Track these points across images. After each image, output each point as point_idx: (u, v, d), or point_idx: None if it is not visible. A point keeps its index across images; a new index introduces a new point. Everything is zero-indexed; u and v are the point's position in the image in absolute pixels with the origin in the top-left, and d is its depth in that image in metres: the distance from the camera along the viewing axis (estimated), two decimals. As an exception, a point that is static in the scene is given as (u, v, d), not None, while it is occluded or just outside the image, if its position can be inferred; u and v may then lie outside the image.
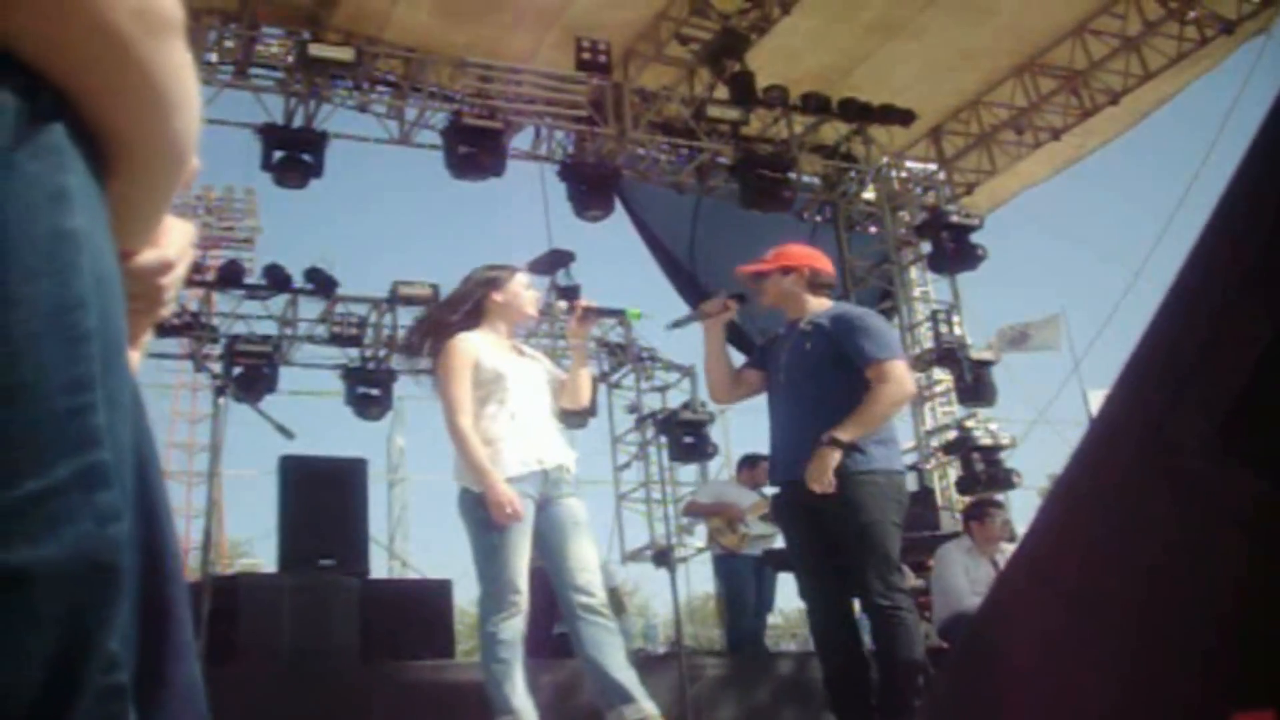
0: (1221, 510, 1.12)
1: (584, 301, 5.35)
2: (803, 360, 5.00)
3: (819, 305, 5.17)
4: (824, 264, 5.35)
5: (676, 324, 5.60)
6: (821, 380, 4.93)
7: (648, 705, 4.67)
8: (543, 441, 4.94)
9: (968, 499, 13.64)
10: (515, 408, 4.91)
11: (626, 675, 4.70)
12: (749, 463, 10.86)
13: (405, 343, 5.17)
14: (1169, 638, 1.18)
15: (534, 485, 4.76)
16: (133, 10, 0.77)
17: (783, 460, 5.06)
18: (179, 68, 0.83)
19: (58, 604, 0.71)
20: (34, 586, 0.70)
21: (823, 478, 4.68)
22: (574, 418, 5.36)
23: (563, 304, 5.50)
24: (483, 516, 4.72)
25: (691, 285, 13.57)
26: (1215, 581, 1.14)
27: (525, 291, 5.20)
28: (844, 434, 4.72)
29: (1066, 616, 1.33)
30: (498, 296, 5.09)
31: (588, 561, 4.88)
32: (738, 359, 5.52)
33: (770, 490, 5.36)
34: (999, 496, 12.13)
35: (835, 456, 4.69)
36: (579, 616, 4.76)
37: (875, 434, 4.83)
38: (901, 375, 4.90)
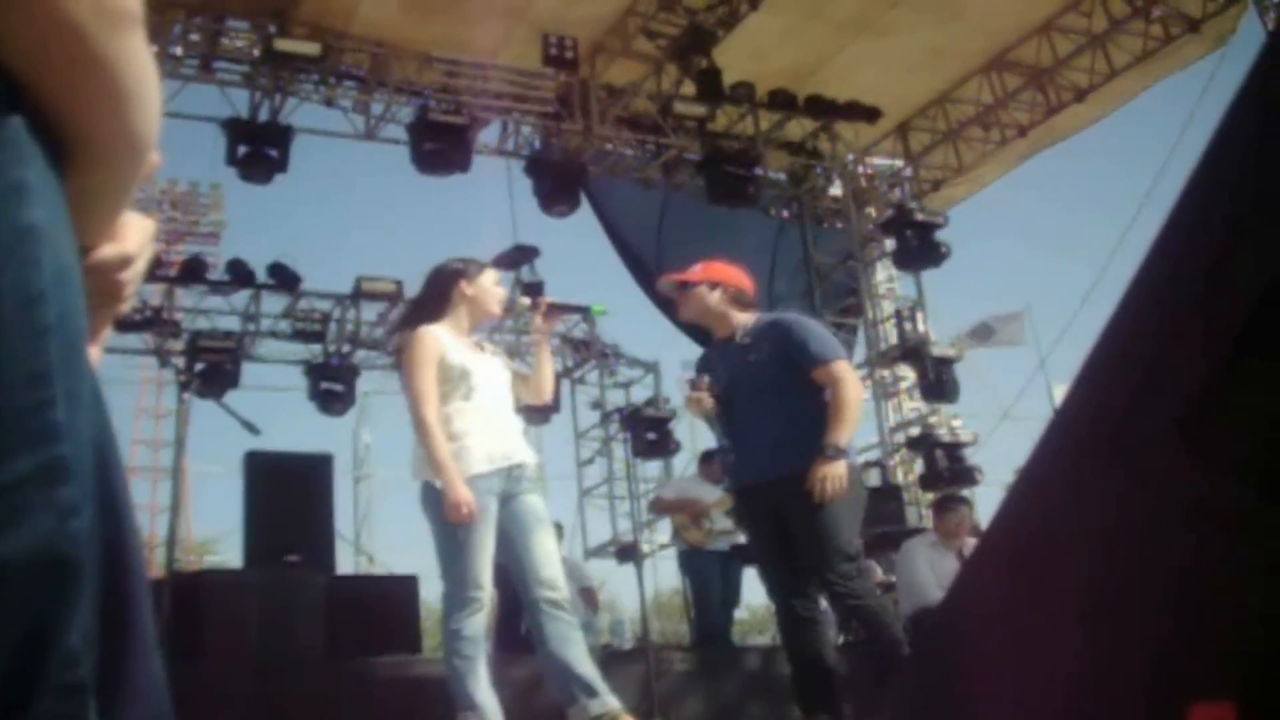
0: (1181, 505, 1.13)
1: (548, 299, 5.34)
2: (751, 370, 5.07)
3: (744, 319, 5.25)
4: (749, 283, 5.45)
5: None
6: (774, 385, 5.01)
7: (611, 700, 4.68)
8: (507, 438, 4.94)
9: (931, 495, 13.73)
10: (481, 403, 4.90)
11: (590, 670, 4.71)
12: (709, 458, 10.89)
13: (393, 349, 5.16)
14: (1129, 630, 1.19)
15: (498, 482, 4.76)
16: (92, 3, 0.77)
17: (748, 463, 5.12)
18: (139, 61, 0.82)
19: (16, 599, 0.71)
20: (-7, 581, 0.70)
21: (840, 484, 4.79)
22: (536, 413, 5.36)
23: (526, 300, 5.46)
24: (445, 512, 4.72)
25: (655, 279, 13.57)
26: (1175, 575, 1.15)
27: (493, 287, 5.20)
28: (840, 440, 4.85)
29: (1028, 608, 1.34)
30: (467, 288, 5.07)
31: (550, 557, 4.88)
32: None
33: (724, 491, 5.43)
34: (964, 492, 12.19)
35: (842, 464, 4.82)
36: (542, 611, 4.76)
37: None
38: (850, 372, 5.08)
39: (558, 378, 5.70)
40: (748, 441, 5.07)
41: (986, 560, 1.60)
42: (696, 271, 5.34)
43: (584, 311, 5.57)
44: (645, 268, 13.83)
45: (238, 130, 11.11)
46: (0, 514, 0.70)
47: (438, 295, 5.08)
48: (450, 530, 4.70)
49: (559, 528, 9.10)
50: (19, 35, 0.74)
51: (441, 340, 4.91)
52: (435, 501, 4.76)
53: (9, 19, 0.74)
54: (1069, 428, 1.33)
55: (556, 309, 5.37)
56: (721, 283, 5.28)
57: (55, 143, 0.80)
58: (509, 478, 4.83)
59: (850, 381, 4.99)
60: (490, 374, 5.02)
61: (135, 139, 0.86)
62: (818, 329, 5.21)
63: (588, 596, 11.13)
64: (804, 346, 5.01)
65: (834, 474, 4.79)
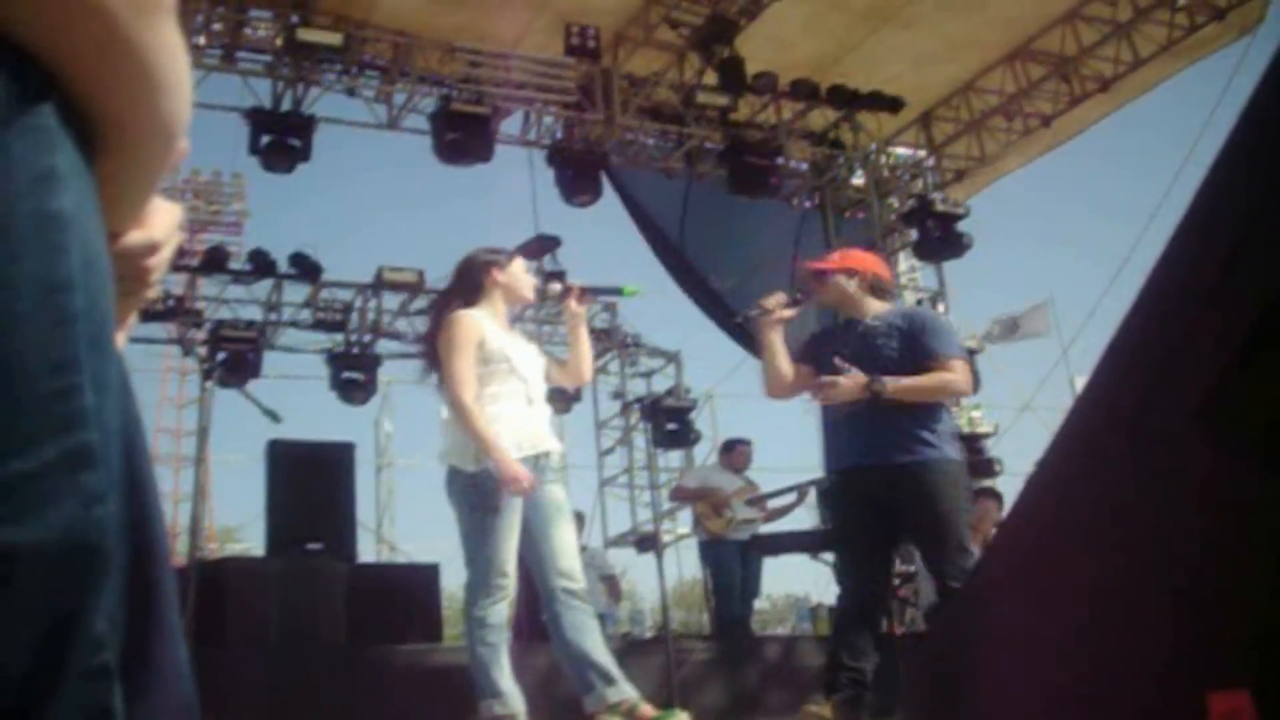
0: (1197, 493, 1.13)
1: (579, 283, 5.35)
2: (876, 354, 5.12)
3: (879, 307, 5.35)
4: (886, 271, 5.62)
5: (742, 320, 5.83)
6: (898, 374, 5.04)
7: (628, 688, 4.69)
8: (537, 426, 4.95)
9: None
10: (517, 388, 4.91)
11: (606, 658, 4.72)
12: (730, 447, 10.90)
13: (425, 351, 5.16)
14: (1146, 618, 1.19)
15: (526, 469, 4.76)
16: None
17: (847, 448, 5.20)
18: (169, 48, 0.83)
19: (43, 585, 0.72)
20: (19, 567, 0.70)
21: (832, 393, 5.01)
22: (558, 401, 5.37)
23: (557, 286, 5.48)
24: (473, 498, 4.72)
25: (682, 266, 13.54)
26: (1191, 563, 1.15)
27: (525, 275, 5.22)
28: (897, 386, 4.97)
29: (1044, 597, 1.34)
30: (499, 276, 5.09)
31: (569, 547, 4.90)
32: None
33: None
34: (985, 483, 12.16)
35: (860, 391, 4.95)
36: (560, 600, 4.78)
37: (944, 422, 5.11)
38: (965, 371, 5.16)
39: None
40: (861, 424, 5.10)
41: (1005, 547, 1.59)
42: (834, 259, 5.48)
43: (617, 292, 5.59)
44: (672, 252, 13.78)
45: (260, 120, 11.11)
46: (27, 500, 0.71)
47: (470, 284, 5.10)
48: (477, 517, 4.71)
49: (580, 517, 9.14)
50: (51, 22, 0.75)
51: (481, 324, 4.92)
52: (463, 487, 4.77)
53: (41, 6, 0.74)
54: (1087, 417, 1.33)
55: (591, 291, 5.39)
56: (859, 270, 5.38)
57: (85, 129, 0.80)
58: (535, 466, 4.84)
59: (955, 375, 5.09)
60: (526, 360, 5.03)
61: (165, 126, 0.87)
62: (948, 327, 5.37)
63: (609, 585, 11.16)
64: (929, 342, 5.11)
65: (841, 385, 4.97)
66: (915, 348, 5.10)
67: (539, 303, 13.71)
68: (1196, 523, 1.14)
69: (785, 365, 5.36)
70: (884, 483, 5.00)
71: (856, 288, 5.34)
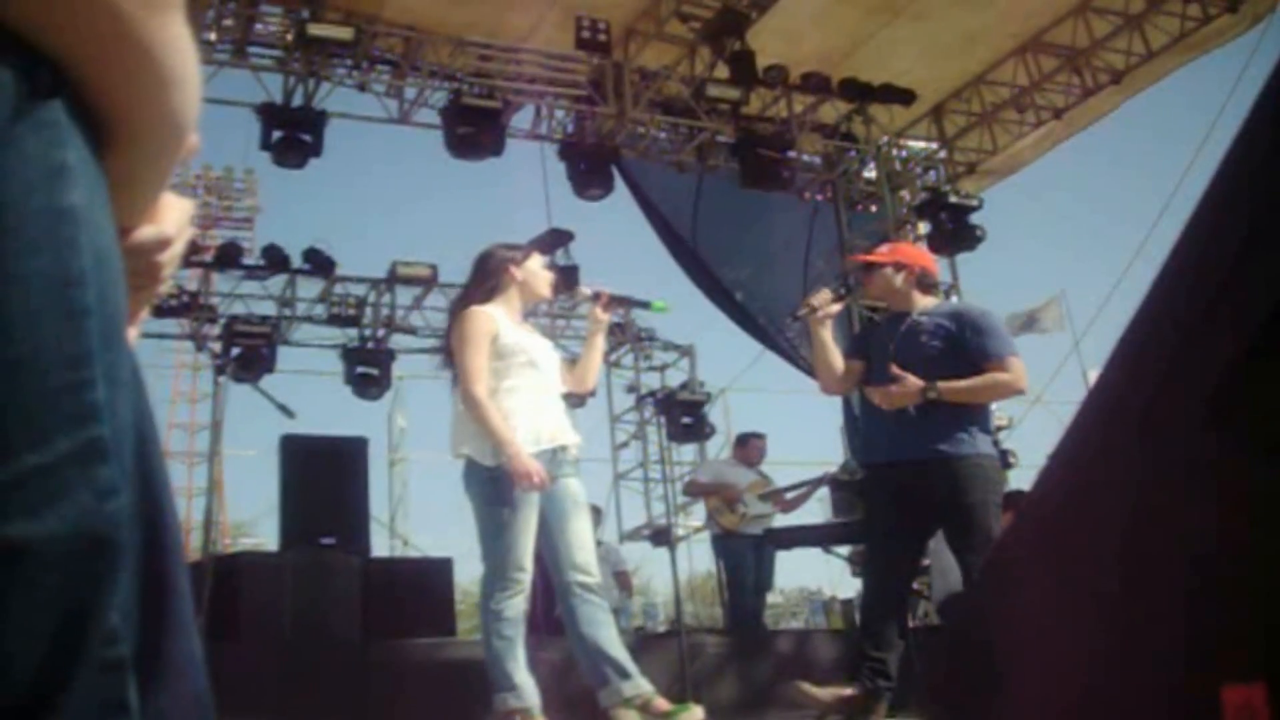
0: (1210, 486, 1.13)
1: (610, 290, 5.37)
2: (920, 351, 5.17)
3: (927, 302, 5.41)
4: (934, 265, 5.67)
5: (794, 318, 5.88)
6: (936, 371, 5.09)
7: (643, 682, 4.70)
8: (554, 420, 4.96)
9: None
10: (532, 383, 4.92)
11: (621, 652, 4.73)
12: (744, 441, 10.90)
13: (444, 348, 5.19)
14: (1158, 610, 1.19)
15: (542, 464, 4.77)
16: None
17: (886, 443, 5.24)
18: (178, 44, 0.83)
19: (57, 578, 0.72)
20: (33, 560, 0.71)
21: (891, 399, 5.07)
22: (573, 396, 5.38)
23: (587, 290, 5.51)
24: (491, 492, 4.73)
25: (695, 260, 13.53)
26: (1205, 555, 1.14)
27: (542, 271, 5.23)
28: (951, 389, 5.01)
29: (1056, 592, 1.34)
30: (517, 272, 5.10)
31: (585, 541, 4.90)
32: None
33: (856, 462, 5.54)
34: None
35: (916, 397, 5.00)
36: (575, 594, 4.78)
37: (983, 421, 5.14)
38: (1020, 370, 5.17)
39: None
40: (898, 418, 5.13)
41: (1017, 540, 1.59)
42: (884, 252, 5.55)
43: (645, 305, 5.60)
44: (683, 246, 13.76)
45: (272, 115, 11.12)
46: (40, 494, 0.71)
47: (488, 280, 5.11)
48: (494, 511, 4.72)
49: (596, 511, 9.14)
50: (61, 19, 0.75)
51: (495, 319, 4.93)
52: (480, 480, 4.78)
53: (52, 2, 0.74)
54: (1100, 408, 1.32)
55: (618, 301, 5.41)
56: (908, 264, 5.43)
57: (95, 124, 0.81)
58: (552, 460, 4.85)
59: (1012, 375, 5.12)
60: (542, 355, 5.04)
61: (175, 121, 0.87)
62: (1000, 325, 5.36)
63: (622, 580, 11.16)
64: (983, 341, 5.13)
65: (898, 391, 5.03)
66: (968, 347, 5.12)
67: (557, 299, 13.75)
68: (1209, 516, 1.14)
69: (837, 361, 5.41)
70: (916, 475, 5.04)
71: (904, 281, 5.39)
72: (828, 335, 5.36)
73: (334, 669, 6.73)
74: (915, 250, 5.59)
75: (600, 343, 5.35)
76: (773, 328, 13.54)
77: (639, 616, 16.43)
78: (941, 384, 4.97)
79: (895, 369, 5.07)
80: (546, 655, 5.68)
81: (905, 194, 14.48)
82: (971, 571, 4.91)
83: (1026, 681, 1.38)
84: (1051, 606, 1.34)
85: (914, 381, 4.98)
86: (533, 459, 4.67)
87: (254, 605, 7.40)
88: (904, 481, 5.09)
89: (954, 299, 6.14)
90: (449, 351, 5.03)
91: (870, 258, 5.51)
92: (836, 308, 5.34)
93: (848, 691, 5.04)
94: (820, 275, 13.63)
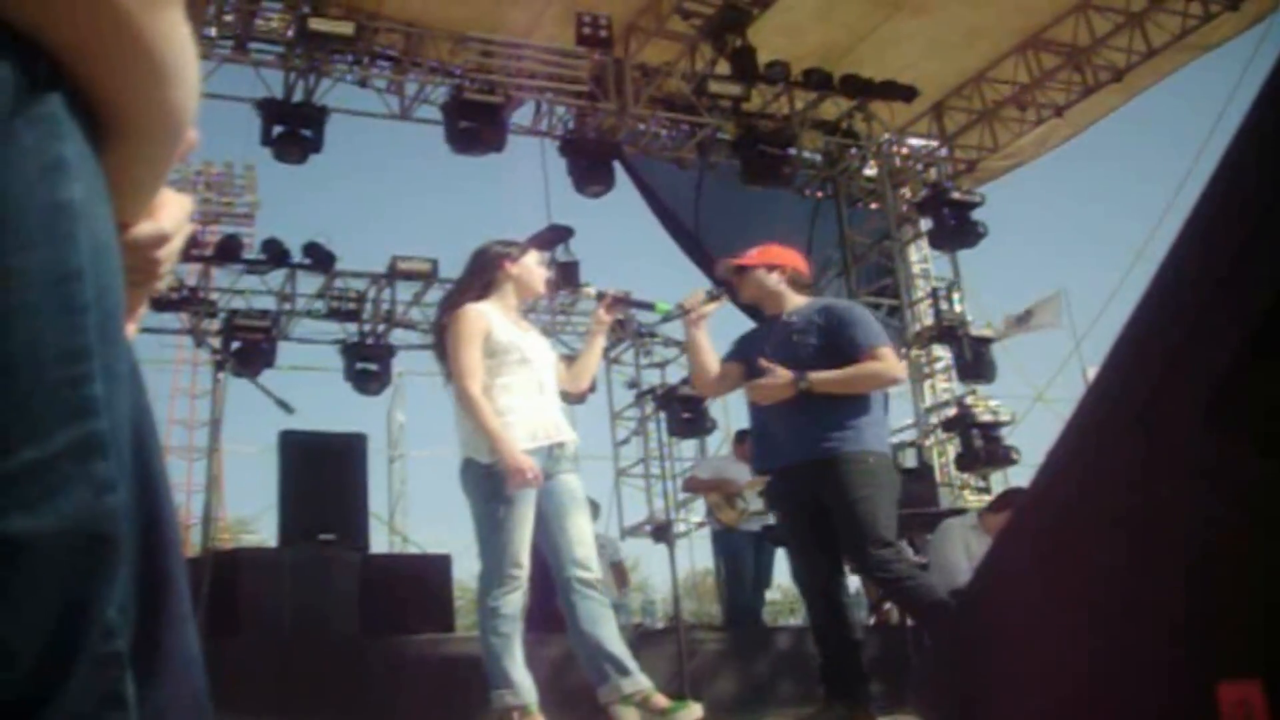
0: (1207, 483, 1.13)
1: (616, 290, 5.38)
2: (793, 351, 5.15)
3: (798, 301, 5.38)
4: (804, 265, 5.62)
5: (666, 318, 5.88)
6: (816, 368, 5.05)
7: (642, 679, 4.69)
8: (550, 416, 4.95)
9: (966, 475, 13.66)
10: (528, 380, 4.92)
11: (621, 649, 4.73)
12: (744, 438, 10.89)
13: (435, 344, 5.19)
14: (1155, 607, 1.19)
15: (539, 460, 4.76)
16: None
17: (772, 448, 5.23)
18: (177, 38, 0.83)
19: (55, 573, 0.72)
20: (31, 555, 0.70)
21: (763, 392, 5.06)
22: (573, 395, 5.38)
23: (593, 289, 5.51)
24: (487, 489, 4.73)
25: (699, 253, 13.51)
26: (1201, 552, 1.15)
27: (537, 267, 5.23)
28: (823, 380, 4.98)
29: (1053, 587, 1.34)
30: (512, 268, 5.10)
31: (584, 537, 4.90)
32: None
33: (755, 471, 5.50)
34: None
35: (788, 389, 4.98)
36: (574, 590, 4.78)
37: (866, 414, 5.06)
38: (892, 359, 5.19)
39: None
40: (785, 422, 5.11)
41: (1015, 538, 1.59)
42: (754, 255, 5.48)
43: (649, 308, 5.61)
44: (689, 239, 13.73)
45: (272, 111, 11.13)
46: (38, 489, 0.71)
47: (482, 276, 5.11)
48: (491, 508, 4.72)
49: (595, 506, 9.14)
50: (59, 12, 0.75)
51: (488, 317, 4.93)
52: (476, 478, 4.78)
53: None
54: (1099, 405, 1.32)
55: (622, 303, 5.42)
56: (779, 265, 5.42)
57: (93, 119, 0.80)
58: (549, 456, 4.85)
59: (883, 364, 5.09)
60: (537, 352, 5.04)
61: (173, 116, 0.87)
62: (868, 317, 5.31)
63: (617, 571, 11.15)
64: (852, 334, 5.10)
65: (769, 383, 5.01)
66: (839, 342, 5.10)
67: (554, 294, 13.74)
68: (1206, 513, 1.14)
69: (711, 363, 5.42)
70: (807, 478, 5.01)
71: (777, 282, 5.38)
72: (703, 337, 5.36)
73: (333, 665, 6.73)
74: (786, 251, 5.56)
75: (600, 343, 5.35)
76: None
77: (638, 613, 16.44)
78: (812, 375, 4.95)
79: (764, 362, 5.05)
80: (545, 651, 5.68)
81: (906, 191, 14.49)
82: (867, 574, 4.93)
83: (1024, 678, 1.39)
84: (1049, 603, 1.35)
85: (784, 373, 4.96)
86: (525, 455, 4.66)
87: (253, 601, 7.40)
88: (798, 485, 5.07)
89: (825, 296, 6.13)
90: (440, 348, 5.03)
91: (741, 260, 5.47)
92: (711, 308, 5.33)
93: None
94: (822, 272, 13.63)
